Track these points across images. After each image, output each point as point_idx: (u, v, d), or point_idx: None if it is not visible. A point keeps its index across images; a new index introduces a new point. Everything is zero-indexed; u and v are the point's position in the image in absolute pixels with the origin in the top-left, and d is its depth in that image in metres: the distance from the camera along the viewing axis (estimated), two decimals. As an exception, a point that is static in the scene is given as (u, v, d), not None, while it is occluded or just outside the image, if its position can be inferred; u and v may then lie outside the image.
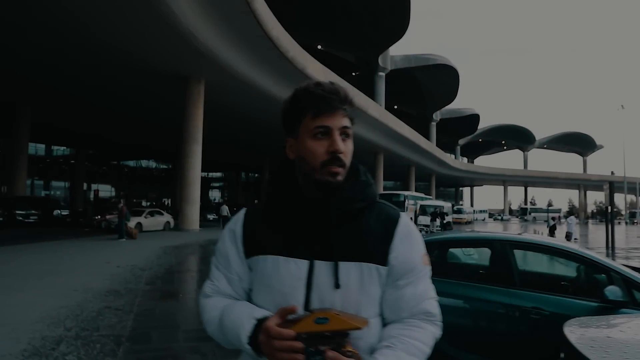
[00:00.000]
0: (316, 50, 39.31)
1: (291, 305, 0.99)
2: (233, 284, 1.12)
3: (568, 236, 22.92)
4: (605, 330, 1.93)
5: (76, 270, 9.16)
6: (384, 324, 1.09)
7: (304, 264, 1.03)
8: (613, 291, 3.24)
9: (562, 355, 1.93)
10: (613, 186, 17.48)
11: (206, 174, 66.89)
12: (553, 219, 26.38)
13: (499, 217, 78.11)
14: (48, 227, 23.25)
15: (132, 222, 19.13)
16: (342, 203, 1.06)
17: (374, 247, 1.06)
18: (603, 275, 3.61)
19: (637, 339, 1.82)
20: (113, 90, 23.30)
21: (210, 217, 39.52)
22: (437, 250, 4.28)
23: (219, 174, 72.31)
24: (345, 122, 1.05)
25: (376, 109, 33.23)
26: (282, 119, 1.10)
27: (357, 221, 1.08)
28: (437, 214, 31.10)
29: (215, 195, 72.11)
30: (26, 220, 23.53)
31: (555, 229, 23.05)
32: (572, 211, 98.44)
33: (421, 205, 36.87)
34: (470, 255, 4.82)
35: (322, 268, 1.03)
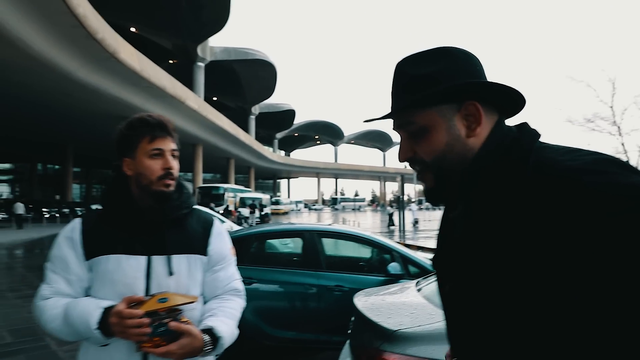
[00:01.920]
0: (129, 32, 36.59)
1: (134, 293, 1.27)
2: (72, 284, 1.32)
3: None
4: (381, 296, 2.55)
5: None
6: (204, 302, 1.45)
7: (143, 259, 1.32)
8: (394, 267, 4.06)
9: (352, 318, 2.48)
10: (404, 178, 20.51)
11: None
12: (391, 206, 30.59)
13: (313, 207, 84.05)
14: None
15: None
16: (172, 210, 1.39)
17: (197, 242, 1.42)
18: (388, 255, 4.46)
19: (400, 300, 2.46)
20: None
21: None
22: (256, 242, 4.69)
23: (7, 166, 61.78)
24: (174, 145, 1.39)
25: (195, 100, 32.48)
26: (118, 142, 1.37)
27: (182, 223, 1.42)
28: (255, 206, 32.05)
29: (3, 190, 61.48)
30: None
31: (393, 216, 26.40)
32: (374, 200, 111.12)
33: (240, 198, 37.60)
34: (286, 244, 5.37)
35: (158, 261, 1.33)
